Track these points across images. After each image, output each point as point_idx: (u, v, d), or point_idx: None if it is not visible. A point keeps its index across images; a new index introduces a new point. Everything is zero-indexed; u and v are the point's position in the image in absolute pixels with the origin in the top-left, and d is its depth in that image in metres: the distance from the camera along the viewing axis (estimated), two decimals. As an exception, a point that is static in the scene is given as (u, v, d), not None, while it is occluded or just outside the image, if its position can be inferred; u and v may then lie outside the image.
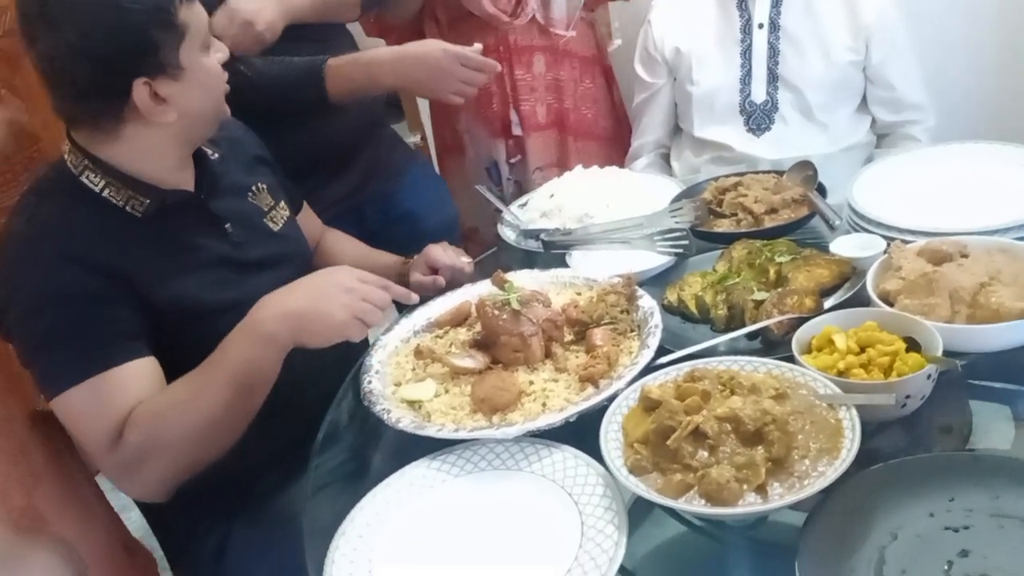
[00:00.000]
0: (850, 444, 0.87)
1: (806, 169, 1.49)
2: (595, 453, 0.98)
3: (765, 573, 0.90)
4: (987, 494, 0.84)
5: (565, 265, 1.41)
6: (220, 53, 1.22)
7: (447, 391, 1.16)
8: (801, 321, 1.09)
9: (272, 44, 1.55)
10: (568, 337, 1.22)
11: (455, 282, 1.42)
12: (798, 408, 0.93)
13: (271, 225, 1.38)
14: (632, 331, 1.21)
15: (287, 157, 1.51)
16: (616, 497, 0.93)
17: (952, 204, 1.30)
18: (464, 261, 1.45)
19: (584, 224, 1.51)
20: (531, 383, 1.13)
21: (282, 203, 1.43)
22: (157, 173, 1.21)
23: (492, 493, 1.01)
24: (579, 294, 1.32)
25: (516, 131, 2.06)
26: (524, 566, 0.90)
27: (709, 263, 1.35)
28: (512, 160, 2.10)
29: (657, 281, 1.35)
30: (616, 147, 2.12)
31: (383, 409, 1.13)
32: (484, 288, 1.31)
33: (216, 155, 1.32)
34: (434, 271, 1.43)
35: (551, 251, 1.47)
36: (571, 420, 1.05)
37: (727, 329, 1.20)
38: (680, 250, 1.37)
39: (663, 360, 1.09)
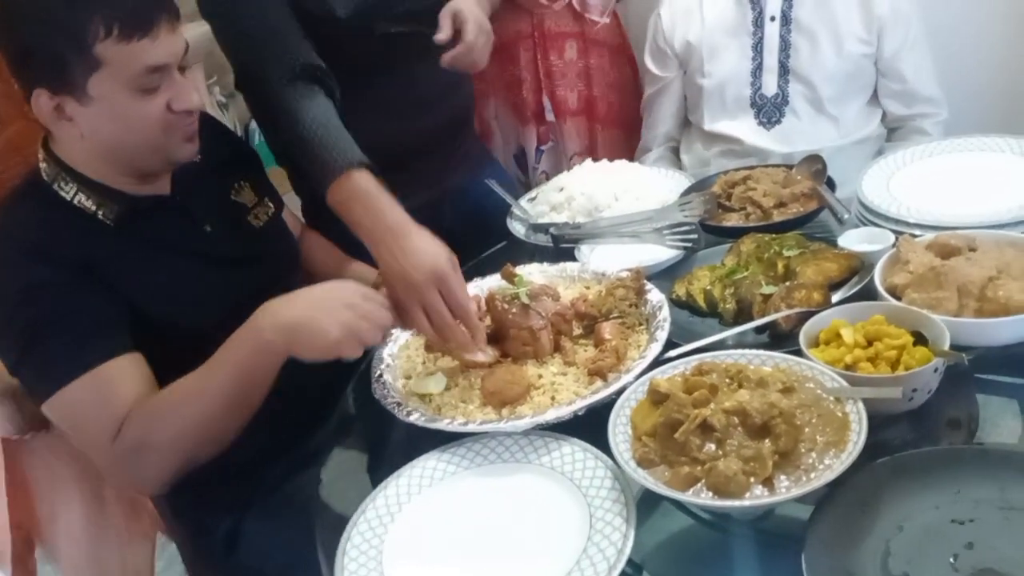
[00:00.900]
0: (857, 437, 0.88)
1: (815, 163, 1.49)
2: (603, 446, 0.99)
3: (772, 565, 0.91)
4: (994, 486, 0.85)
5: (574, 259, 1.42)
6: (179, 102, 1.16)
7: (457, 384, 1.17)
8: (809, 315, 1.09)
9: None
10: (577, 331, 1.23)
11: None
12: (805, 401, 0.93)
13: (254, 222, 1.38)
14: (640, 325, 1.21)
15: (375, 147, 1.37)
16: (624, 490, 0.94)
17: (961, 198, 1.30)
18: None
19: (593, 218, 1.52)
20: (540, 377, 1.14)
21: (266, 200, 1.43)
22: (118, 182, 1.20)
23: (502, 486, 1.02)
24: (588, 288, 1.33)
25: (549, 117, 2.09)
26: (533, 558, 0.91)
27: (718, 257, 1.36)
28: (543, 147, 2.13)
29: (666, 275, 1.35)
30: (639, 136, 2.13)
31: (394, 402, 1.14)
32: (493, 282, 1.32)
33: (198, 158, 1.28)
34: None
35: (560, 245, 1.47)
36: (580, 413, 1.06)
37: (735, 323, 1.20)
38: (689, 244, 1.38)
39: (671, 354, 1.10)
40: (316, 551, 1.01)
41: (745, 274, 1.26)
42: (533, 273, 1.35)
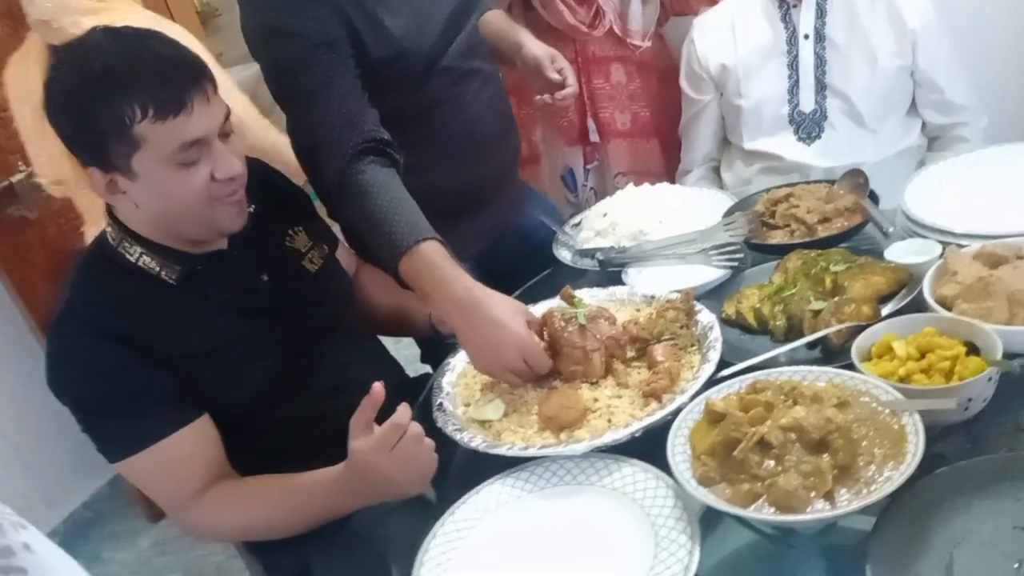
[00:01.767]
0: (915, 449, 0.89)
1: (857, 177, 1.51)
2: (662, 466, 1.01)
3: (835, 576, 0.93)
4: (1056, 493, 0.86)
5: (621, 283, 1.45)
6: (222, 171, 1.19)
7: (515, 411, 1.20)
8: (860, 329, 1.11)
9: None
10: (630, 354, 1.26)
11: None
12: (861, 416, 0.95)
13: (309, 266, 1.42)
14: (692, 346, 1.24)
15: (429, 197, 1.40)
16: (687, 508, 0.96)
17: (1006, 206, 1.31)
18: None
19: (639, 241, 1.55)
20: (595, 400, 1.17)
21: (320, 242, 1.46)
22: (179, 244, 1.25)
23: (565, 508, 1.05)
24: (638, 311, 1.36)
25: (593, 138, 2.16)
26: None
27: (765, 275, 1.37)
28: (588, 166, 2.19)
29: (714, 295, 1.38)
30: None
31: (456, 429, 1.18)
32: (549, 305, 1.35)
33: (252, 208, 1.31)
34: None
35: (607, 269, 1.51)
36: (637, 435, 1.09)
37: (786, 340, 1.22)
38: (735, 263, 1.40)
39: (724, 373, 1.13)
40: (388, 578, 1.05)
41: (794, 291, 1.27)
42: (584, 298, 1.38)
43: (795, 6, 1.82)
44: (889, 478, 0.87)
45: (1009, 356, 1.00)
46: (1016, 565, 0.81)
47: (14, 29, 2.06)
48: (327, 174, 1.38)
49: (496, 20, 1.73)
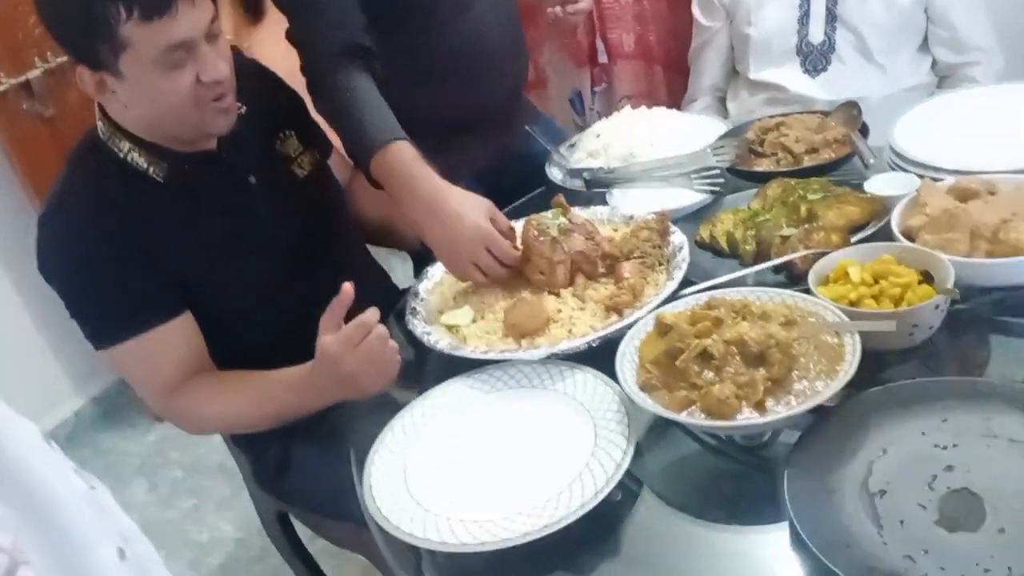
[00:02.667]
0: (848, 367, 0.91)
1: (851, 109, 1.50)
2: (614, 376, 1.05)
3: (768, 487, 0.96)
4: (980, 416, 0.88)
5: (606, 203, 1.47)
6: (207, 74, 1.20)
7: (483, 318, 1.24)
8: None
9: None
10: (601, 270, 1.28)
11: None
12: (805, 334, 0.97)
13: (298, 171, 1.44)
14: (661, 265, 1.26)
15: (430, 119, 1.45)
16: (628, 413, 1.00)
17: (990, 143, 1.30)
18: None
19: (628, 163, 1.56)
20: (559, 311, 1.21)
21: (312, 149, 1.48)
22: (167, 142, 1.28)
23: (519, 409, 1.09)
24: (615, 231, 1.38)
25: (602, 59, 2.14)
26: (542, 470, 0.98)
27: (745, 201, 1.38)
28: (596, 88, 2.17)
29: (694, 218, 1.39)
30: None
31: (424, 332, 1.23)
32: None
33: (243, 109, 1.33)
34: None
35: (593, 189, 1.52)
36: (593, 345, 1.12)
37: (754, 264, 1.24)
38: (716, 188, 1.41)
39: (686, 292, 1.15)
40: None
41: (767, 217, 1.29)
42: (569, 215, 1.40)
43: (810, -67, 1.78)
44: (819, 392, 0.90)
45: (970, 289, 1.01)
46: (930, 479, 0.84)
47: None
48: (308, 69, 1.41)
49: None
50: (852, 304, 1.02)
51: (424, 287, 1.35)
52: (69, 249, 1.26)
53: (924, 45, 1.84)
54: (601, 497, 0.91)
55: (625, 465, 0.93)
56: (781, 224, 1.26)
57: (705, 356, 0.97)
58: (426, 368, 1.28)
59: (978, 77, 1.82)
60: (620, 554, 0.93)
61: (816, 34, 1.82)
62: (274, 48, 1.60)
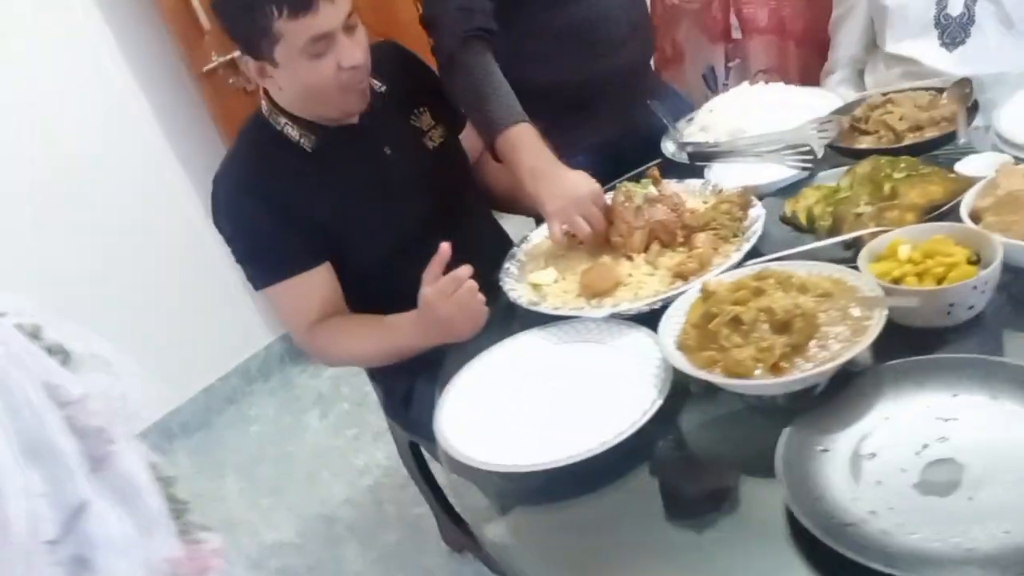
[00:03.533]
0: (864, 340, 0.97)
1: (964, 87, 1.47)
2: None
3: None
4: (988, 394, 0.91)
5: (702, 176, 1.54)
6: (346, 61, 1.40)
7: (564, 278, 1.38)
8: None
9: None
10: (680, 240, 1.37)
11: None
12: (834, 306, 1.03)
13: (428, 143, 1.63)
14: (735, 236, 1.33)
15: (549, 94, 1.62)
16: (667, 368, 1.10)
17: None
18: None
19: (734, 138, 1.61)
20: (630, 275, 1.32)
21: (442, 123, 1.66)
22: (315, 118, 1.50)
23: (578, 358, 1.23)
24: (705, 203, 1.45)
25: (736, 35, 2.16)
26: (584, 412, 1.12)
27: (836, 179, 1.41)
28: (730, 64, 2.20)
29: (785, 193, 1.44)
30: None
31: (511, 288, 1.38)
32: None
33: (383, 87, 1.58)
34: None
35: (695, 163, 1.59)
36: (655, 307, 1.22)
37: (828, 239, 1.27)
38: (807, 165, 1.44)
39: (750, 263, 1.22)
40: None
41: (848, 194, 1.31)
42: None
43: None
44: (831, 360, 0.96)
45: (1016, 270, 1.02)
46: (921, 447, 0.88)
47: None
48: (438, 51, 1.58)
49: None
50: (895, 281, 1.06)
51: (523, 249, 1.50)
52: (233, 206, 1.53)
53: (1078, 16, 1.72)
54: (628, 434, 1.03)
55: (651, 413, 1.04)
56: (859, 201, 1.29)
57: (736, 321, 1.05)
58: (512, 320, 1.43)
59: None
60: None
61: (956, 5, 1.76)
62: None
